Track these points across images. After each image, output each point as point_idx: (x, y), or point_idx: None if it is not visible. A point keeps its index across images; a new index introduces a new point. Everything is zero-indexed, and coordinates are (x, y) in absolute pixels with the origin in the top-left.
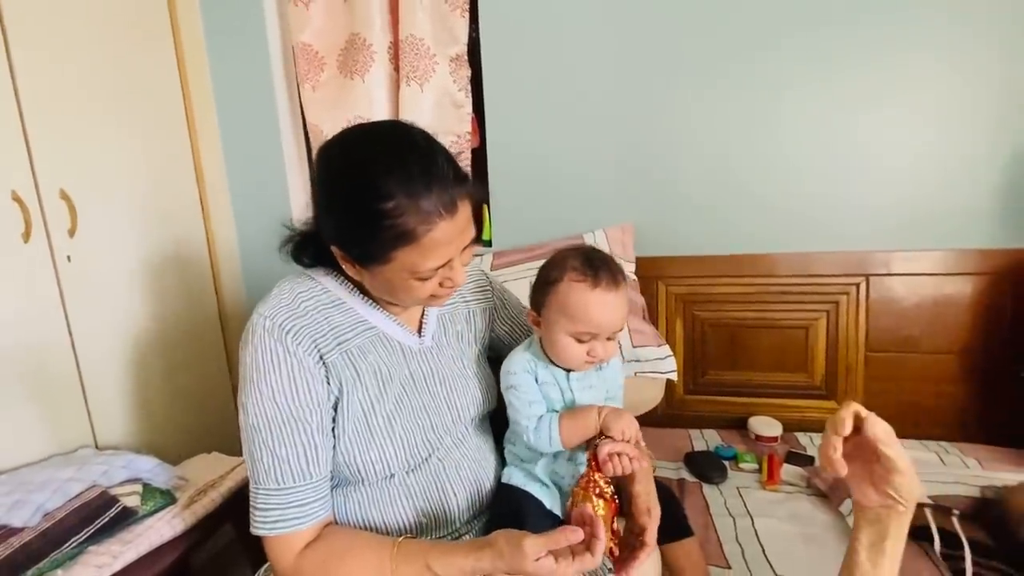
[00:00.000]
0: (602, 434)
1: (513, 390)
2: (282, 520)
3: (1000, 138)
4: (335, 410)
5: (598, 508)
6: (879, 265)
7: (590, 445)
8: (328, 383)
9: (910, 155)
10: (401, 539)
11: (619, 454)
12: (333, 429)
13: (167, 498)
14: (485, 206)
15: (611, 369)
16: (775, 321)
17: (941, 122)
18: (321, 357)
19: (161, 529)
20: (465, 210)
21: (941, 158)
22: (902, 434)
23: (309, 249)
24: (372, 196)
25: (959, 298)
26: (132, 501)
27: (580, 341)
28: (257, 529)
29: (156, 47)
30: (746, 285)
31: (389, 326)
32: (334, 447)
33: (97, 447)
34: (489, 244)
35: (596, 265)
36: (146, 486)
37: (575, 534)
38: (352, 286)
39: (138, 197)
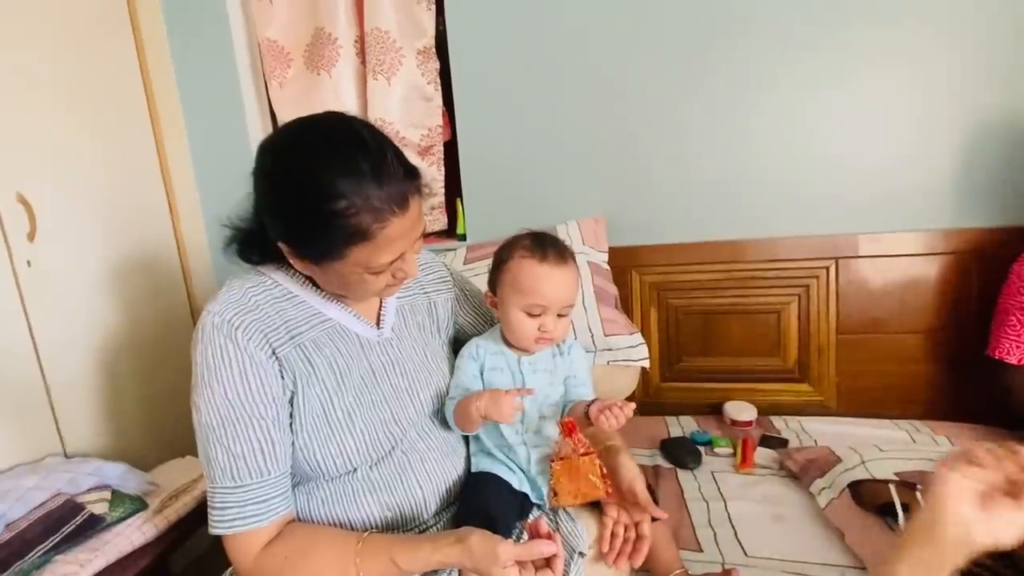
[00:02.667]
0: (587, 418)
1: (454, 372)
2: (240, 518)
3: (957, 120)
4: (291, 405)
5: (587, 465)
6: (847, 248)
7: (562, 420)
8: (282, 377)
9: (873, 140)
10: (366, 534)
11: (608, 408)
12: (291, 424)
13: (137, 504)
14: (458, 200)
15: (571, 355)
16: (747, 306)
17: (901, 106)
18: (273, 351)
19: (131, 536)
20: (416, 204)
21: (903, 142)
22: (873, 414)
23: (255, 245)
24: (324, 197)
25: (926, 279)
26: (100, 508)
27: (531, 315)
28: (215, 528)
29: (116, 46)
30: (717, 272)
31: (346, 318)
32: (293, 443)
33: (66, 455)
34: (463, 238)
35: (544, 242)
36: (115, 493)
37: (548, 547)
38: (304, 279)
39: (101, 199)
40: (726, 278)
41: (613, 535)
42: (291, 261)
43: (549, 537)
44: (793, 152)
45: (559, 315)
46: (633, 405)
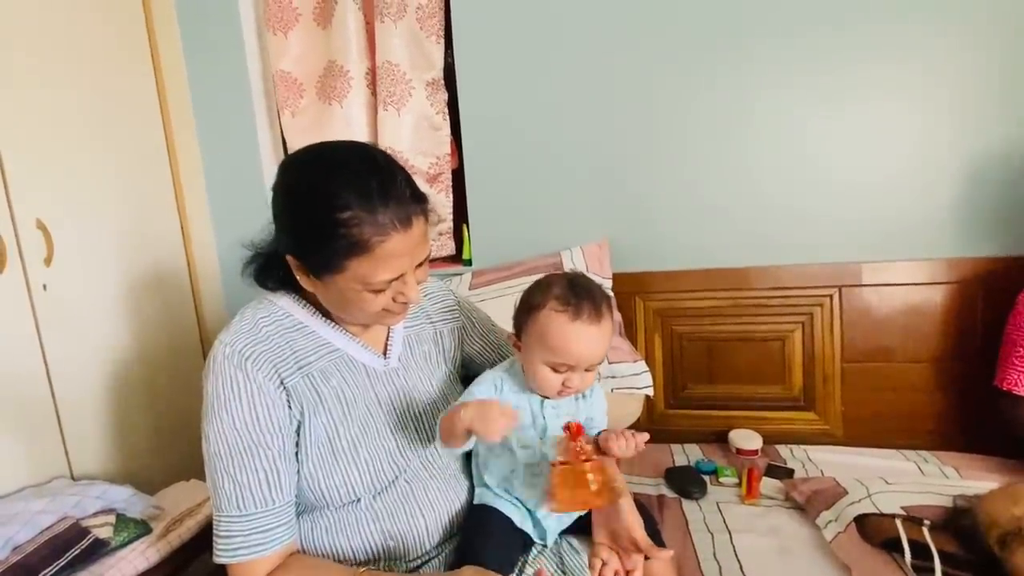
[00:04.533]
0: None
1: (469, 389)
2: (244, 547)
3: (961, 149)
4: (298, 434)
5: (592, 474)
6: (851, 276)
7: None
8: (290, 407)
9: (877, 169)
10: (363, 570)
11: (620, 434)
12: (296, 454)
13: (141, 528)
14: (464, 226)
15: (592, 397)
16: (751, 334)
17: (906, 134)
18: (282, 382)
19: (134, 560)
20: (420, 227)
21: (908, 171)
22: (879, 443)
23: (273, 272)
24: (330, 206)
25: (930, 307)
26: (105, 532)
27: (556, 371)
28: (219, 557)
29: (135, 75)
30: (722, 299)
31: (353, 348)
32: (298, 472)
33: (73, 478)
34: (469, 263)
35: (579, 295)
36: (120, 516)
37: None
38: (315, 309)
39: (117, 225)
40: (730, 305)
41: None
42: (298, 277)
43: None
44: (797, 180)
45: (586, 370)
46: (646, 435)
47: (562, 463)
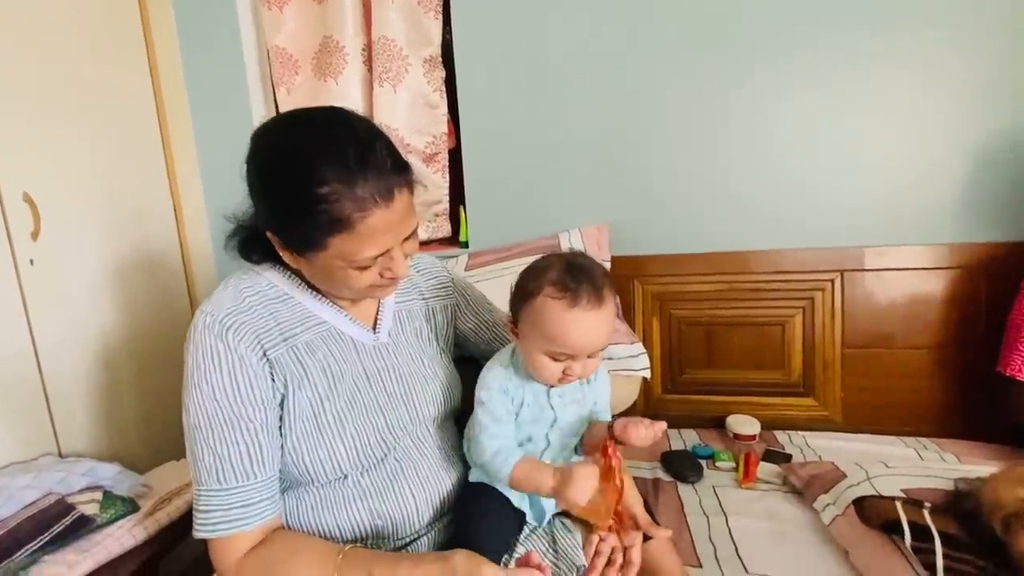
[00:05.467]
0: (612, 436)
1: (481, 405)
2: (224, 521)
3: (965, 132)
4: (281, 408)
5: (609, 496)
6: (852, 261)
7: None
8: (272, 380)
9: (881, 152)
10: (348, 547)
11: (637, 424)
12: (280, 428)
13: (129, 506)
14: (461, 207)
15: (598, 381)
16: (751, 318)
17: (909, 117)
18: (264, 353)
19: (121, 538)
20: (404, 199)
21: (911, 155)
22: (879, 430)
23: (257, 245)
24: (306, 181)
25: (933, 293)
26: (91, 509)
27: (555, 360)
28: (199, 531)
29: (127, 50)
30: (721, 283)
31: (341, 321)
32: (282, 447)
33: (61, 455)
34: (465, 246)
35: (578, 279)
36: (107, 494)
37: None
38: (300, 281)
39: (107, 200)
40: (730, 289)
41: (598, 553)
42: (280, 254)
43: (540, 569)
44: (800, 163)
45: (588, 356)
46: (664, 424)
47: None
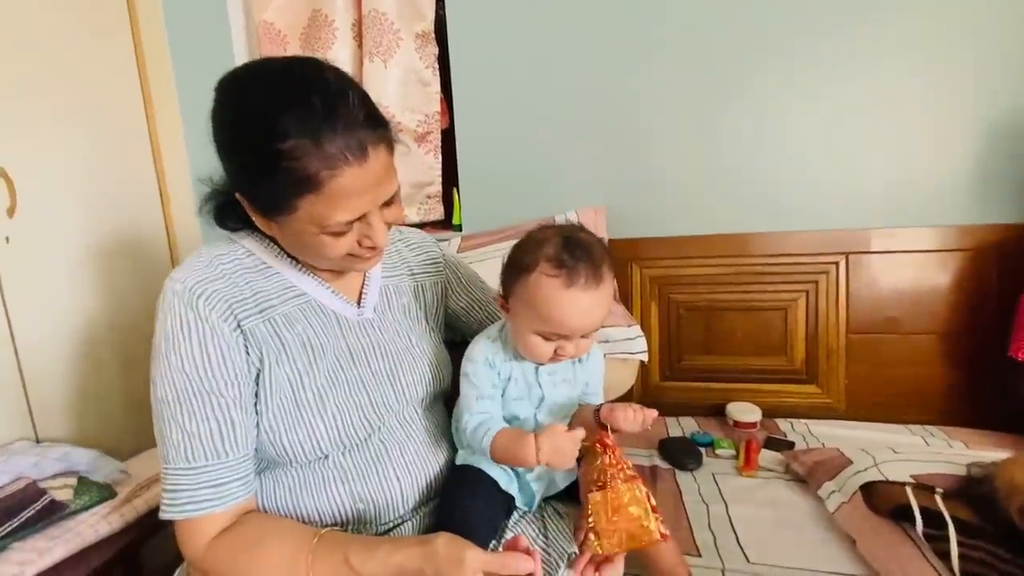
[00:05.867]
0: (598, 420)
1: (466, 378)
2: (192, 502)
3: (975, 110)
4: (257, 383)
5: (629, 494)
6: (858, 243)
7: (591, 432)
8: (247, 353)
9: (887, 130)
10: (325, 530)
11: (625, 409)
12: (256, 405)
13: (105, 492)
14: (455, 190)
15: (591, 361)
16: (753, 303)
17: (916, 96)
18: (239, 324)
19: (96, 525)
20: (381, 157)
21: (918, 133)
22: (885, 418)
23: (233, 210)
24: (268, 135)
25: (941, 277)
26: (63, 495)
27: (547, 339)
28: (166, 512)
29: (111, 25)
30: (722, 266)
31: (323, 294)
32: (257, 424)
33: (38, 441)
34: (459, 228)
35: (576, 255)
36: (82, 479)
37: (524, 563)
38: (280, 250)
39: (88, 178)
40: (731, 273)
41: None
42: (253, 218)
43: (528, 553)
44: (803, 142)
45: (582, 336)
46: (655, 412)
47: (599, 487)
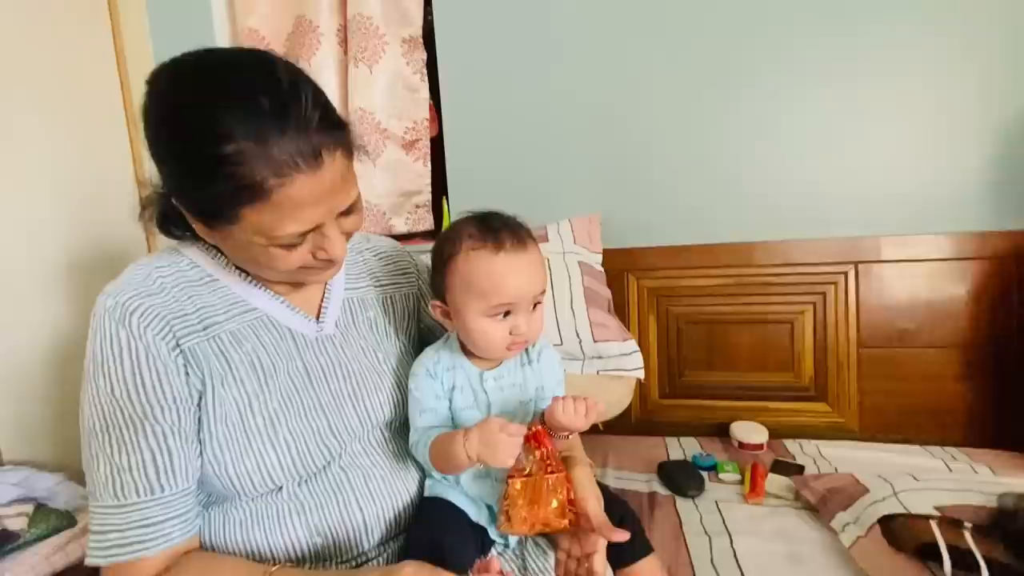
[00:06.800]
0: (541, 419)
1: (410, 394)
2: (119, 545)
3: (990, 111)
4: (199, 408)
5: (550, 488)
6: (868, 252)
7: (531, 424)
8: (187, 374)
9: (898, 133)
10: (275, 567)
11: (566, 401)
12: (199, 432)
13: (64, 520)
14: (444, 198)
15: (541, 362)
16: (757, 315)
17: (931, 98)
18: (177, 343)
19: (51, 557)
20: (337, 164)
21: (931, 135)
22: (902, 438)
23: (178, 217)
24: (208, 137)
25: (957, 286)
26: (17, 524)
27: (497, 319)
28: (91, 557)
29: (92, 30)
30: (724, 277)
31: (276, 309)
32: (200, 454)
33: (2, 463)
34: None
35: (495, 226)
36: (40, 507)
37: None
38: (228, 261)
39: (65, 186)
40: (734, 284)
41: (567, 573)
42: (194, 226)
43: (501, 574)
44: (808, 146)
45: (532, 308)
46: (601, 405)
47: (523, 476)
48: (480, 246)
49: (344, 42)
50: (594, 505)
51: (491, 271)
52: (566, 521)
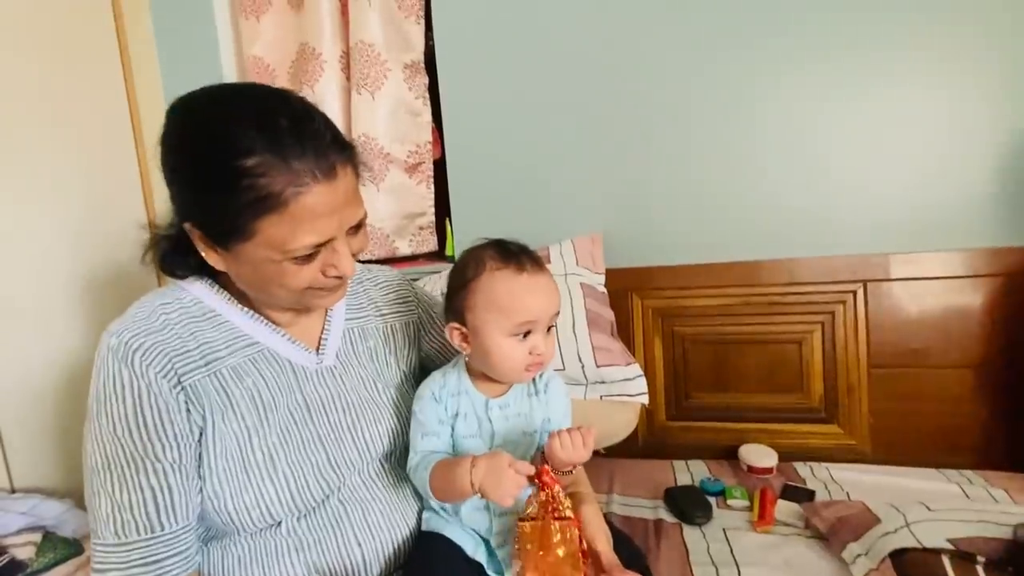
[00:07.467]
0: (540, 452)
1: (414, 417)
2: None
3: (1004, 126)
4: (200, 444)
5: (560, 535)
6: (877, 270)
7: (534, 461)
8: (189, 411)
9: (908, 147)
10: None
11: (561, 435)
12: (200, 469)
13: (71, 549)
14: (447, 220)
15: (548, 392)
16: (765, 336)
17: (942, 110)
18: (179, 380)
19: None
20: (348, 179)
21: (942, 149)
22: (917, 462)
23: (180, 257)
24: (230, 152)
25: (971, 304)
26: (25, 553)
27: (519, 338)
28: None
29: (101, 60)
30: (730, 297)
31: (277, 342)
32: (201, 490)
33: (13, 490)
34: (453, 259)
35: (514, 251)
36: (47, 535)
37: None
38: (231, 295)
39: (74, 211)
40: (740, 304)
41: None
42: (203, 254)
43: None
44: (815, 163)
45: (548, 329)
46: (593, 430)
47: (531, 519)
48: (503, 266)
49: (347, 68)
50: (604, 544)
51: (514, 290)
52: (572, 570)
